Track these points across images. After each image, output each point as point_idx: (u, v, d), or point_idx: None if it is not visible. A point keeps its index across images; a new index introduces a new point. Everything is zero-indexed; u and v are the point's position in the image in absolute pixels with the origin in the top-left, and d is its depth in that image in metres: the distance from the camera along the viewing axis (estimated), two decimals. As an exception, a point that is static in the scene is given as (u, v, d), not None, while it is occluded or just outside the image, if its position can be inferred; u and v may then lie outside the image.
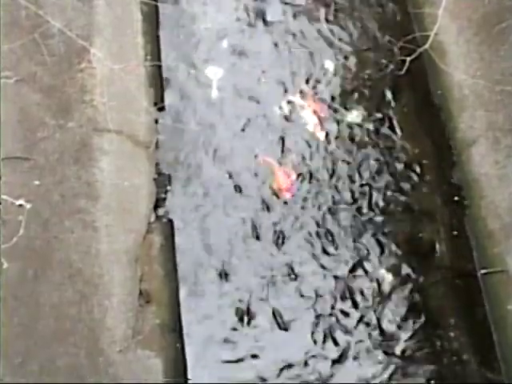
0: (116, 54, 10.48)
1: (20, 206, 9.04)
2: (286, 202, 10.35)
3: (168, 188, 10.40)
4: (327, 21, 11.77)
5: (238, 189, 10.42)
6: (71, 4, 10.33)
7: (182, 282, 9.77)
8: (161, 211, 10.19)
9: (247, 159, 10.67)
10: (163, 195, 10.32)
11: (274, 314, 9.65)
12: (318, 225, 10.19)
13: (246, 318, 9.63)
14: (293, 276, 9.87)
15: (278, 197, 10.38)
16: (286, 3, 11.93)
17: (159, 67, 11.14)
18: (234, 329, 9.55)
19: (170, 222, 10.17)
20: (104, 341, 8.74)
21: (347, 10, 11.90)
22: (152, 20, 11.45)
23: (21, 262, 8.86)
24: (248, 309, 9.67)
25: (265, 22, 11.76)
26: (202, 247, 10.02)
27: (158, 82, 11.06)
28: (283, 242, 10.07)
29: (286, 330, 9.58)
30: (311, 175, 10.55)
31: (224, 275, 9.83)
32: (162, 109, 10.90)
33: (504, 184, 9.99)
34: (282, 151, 10.71)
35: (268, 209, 10.31)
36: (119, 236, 9.43)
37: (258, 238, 10.11)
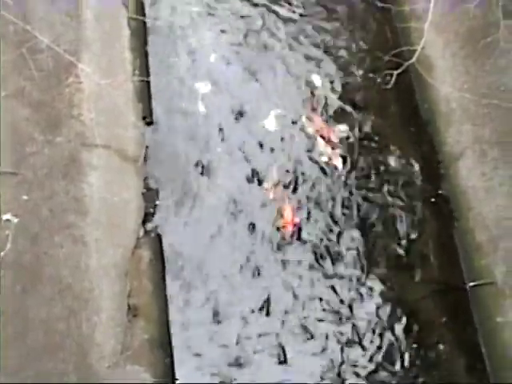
0: (104, 68, 10.51)
1: (7, 220, 9.02)
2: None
3: (156, 203, 10.39)
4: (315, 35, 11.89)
5: (229, 205, 10.43)
6: (59, 19, 10.38)
7: (170, 298, 9.75)
8: (149, 226, 10.17)
9: (237, 176, 10.66)
10: (152, 210, 10.31)
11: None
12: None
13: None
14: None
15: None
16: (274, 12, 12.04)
17: (147, 82, 11.16)
18: (224, 346, 9.52)
19: (159, 236, 10.16)
20: (93, 356, 8.69)
21: (334, 25, 11.98)
22: (140, 35, 11.49)
23: (9, 277, 8.81)
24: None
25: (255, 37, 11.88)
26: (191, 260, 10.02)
27: (146, 97, 11.08)
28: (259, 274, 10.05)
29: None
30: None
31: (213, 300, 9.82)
32: (150, 123, 10.91)
33: (491, 196, 10.06)
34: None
35: (253, 228, 10.31)
36: (108, 251, 9.41)
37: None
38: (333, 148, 10.85)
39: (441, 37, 11.02)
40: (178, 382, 9.28)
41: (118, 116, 10.36)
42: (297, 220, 10.28)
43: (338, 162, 10.75)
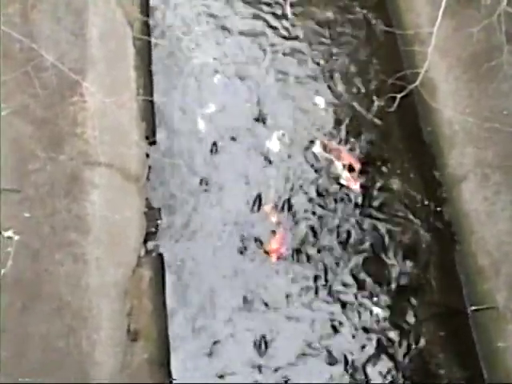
0: (108, 87, 10.54)
1: (9, 237, 9.00)
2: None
3: (158, 222, 10.38)
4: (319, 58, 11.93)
5: (230, 226, 10.40)
6: (65, 37, 10.42)
7: (170, 318, 9.72)
8: (151, 245, 10.16)
9: (239, 197, 10.67)
10: (153, 229, 10.30)
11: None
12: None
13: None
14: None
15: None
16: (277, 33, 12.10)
17: (151, 101, 11.21)
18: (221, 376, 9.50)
19: (160, 256, 10.14)
20: (92, 375, 8.65)
21: (338, 48, 12.04)
22: (144, 54, 11.56)
23: (9, 294, 8.79)
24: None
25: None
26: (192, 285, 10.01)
27: (150, 116, 11.13)
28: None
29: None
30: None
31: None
32: (153, 143, 10.94)
33: (493, 220, 10.02)
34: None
35: (247, 249, 10.30)
36: (109, 269, 9.39)
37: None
38: (350, 171, 10.86)
39: (444, 60, 11.05)
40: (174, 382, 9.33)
41: (121, 135, 10.39)
42: (284, 250, 10.27)
43: (355, 186, 10.76)
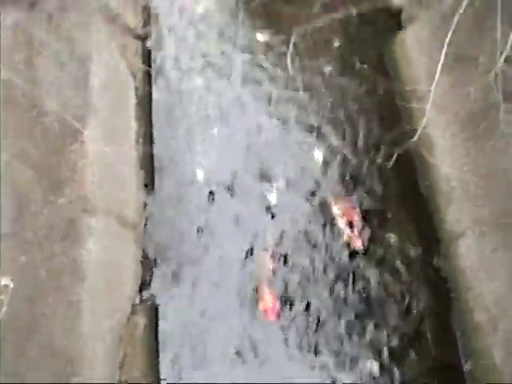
0: (109, 135, 10.62)
1: (5, 285, 8.95)
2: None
3: (154, 271, 10.33)
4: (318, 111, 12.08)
5: (225, 279, 10.36)
6: (68, 84, 10.51)
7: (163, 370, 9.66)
8: (146, 294, 10.10)
9: (235, 249, 10.64)
10: (148, 278, 10.25)
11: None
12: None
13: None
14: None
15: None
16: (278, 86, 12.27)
17: (150, 150, 11.31)
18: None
19: (155, 305, 10.08)
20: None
21: (337, 101, 12.19)
22: (145, 104, 11.70)
23: (4, 338, 8.68)
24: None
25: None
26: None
27: (149, 165, 11.20)
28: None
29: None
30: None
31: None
32: (151, 191, 10.97)
33: (491, 277, 9.97)
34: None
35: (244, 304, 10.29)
36: (103, 316, 9.31)
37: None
38: (351, 227, 10.85)
39: (441, 117, 11.13)
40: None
41: (120, 182, 10.43)
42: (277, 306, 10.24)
43: (357, 242, 10.74)
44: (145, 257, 10.42)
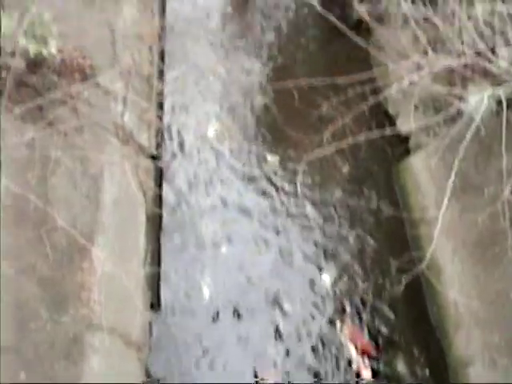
0: (117, 253, 10.61)
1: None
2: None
3: (158, 395, 10.18)
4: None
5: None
6: (79, 200, 10.62)
7: None
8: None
9: (244, 370, 10.50)
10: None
11: None
12: None
13: None
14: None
15: None
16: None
17: (158, 270, 11.33)
18: None
19: None
20: None
21: (346, 228, 12.29)
22: (155, 223, 11.80)
23: None
24: None
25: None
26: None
27: (156, 285, 11.20)
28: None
29: None
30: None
31: None
32: (157, 311, 10.94)
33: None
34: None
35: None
36: None
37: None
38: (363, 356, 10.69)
39: (449, 243, 11.19)
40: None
41: (126, 301, 10.31)
42: None
43: (366, 371, 10.55)
44: (149, 377, 10.23)
